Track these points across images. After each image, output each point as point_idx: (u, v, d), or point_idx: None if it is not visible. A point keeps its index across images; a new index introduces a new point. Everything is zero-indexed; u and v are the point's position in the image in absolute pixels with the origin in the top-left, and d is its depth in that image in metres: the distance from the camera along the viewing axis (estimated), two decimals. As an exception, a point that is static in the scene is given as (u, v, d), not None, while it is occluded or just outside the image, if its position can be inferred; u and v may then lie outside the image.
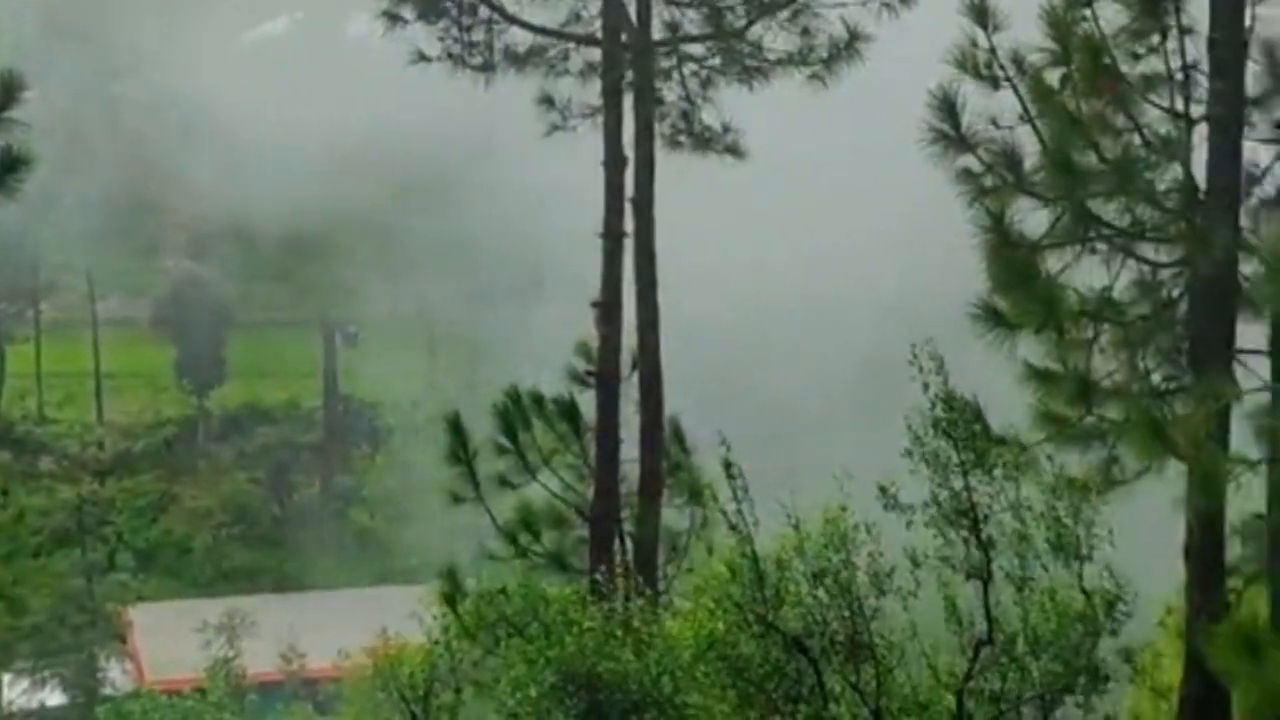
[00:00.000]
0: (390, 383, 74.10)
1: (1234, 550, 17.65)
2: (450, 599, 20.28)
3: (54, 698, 59.53)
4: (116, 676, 59.77)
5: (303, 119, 63.63)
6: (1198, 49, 16.89)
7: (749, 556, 15.43)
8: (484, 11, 25.61)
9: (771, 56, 25.14)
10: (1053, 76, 16.71)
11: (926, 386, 15.72)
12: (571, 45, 25.56)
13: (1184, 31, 16.85)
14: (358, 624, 31.59)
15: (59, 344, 76.18)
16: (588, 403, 25.42)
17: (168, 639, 57.50)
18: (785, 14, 24.95)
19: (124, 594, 63.95)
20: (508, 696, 16.80)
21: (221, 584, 67.95)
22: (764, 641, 15.52)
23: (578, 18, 25.45)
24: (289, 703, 53.68)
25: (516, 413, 25.37)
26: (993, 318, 16.72)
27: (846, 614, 15.40)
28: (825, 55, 24.75)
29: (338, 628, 43.77)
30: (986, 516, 15.51)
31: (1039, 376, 16.87)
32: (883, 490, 15.54)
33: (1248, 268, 16.57)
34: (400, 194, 69.29)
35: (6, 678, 57.91)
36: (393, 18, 25.62)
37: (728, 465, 15.77)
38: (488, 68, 25.74)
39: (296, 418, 76.51)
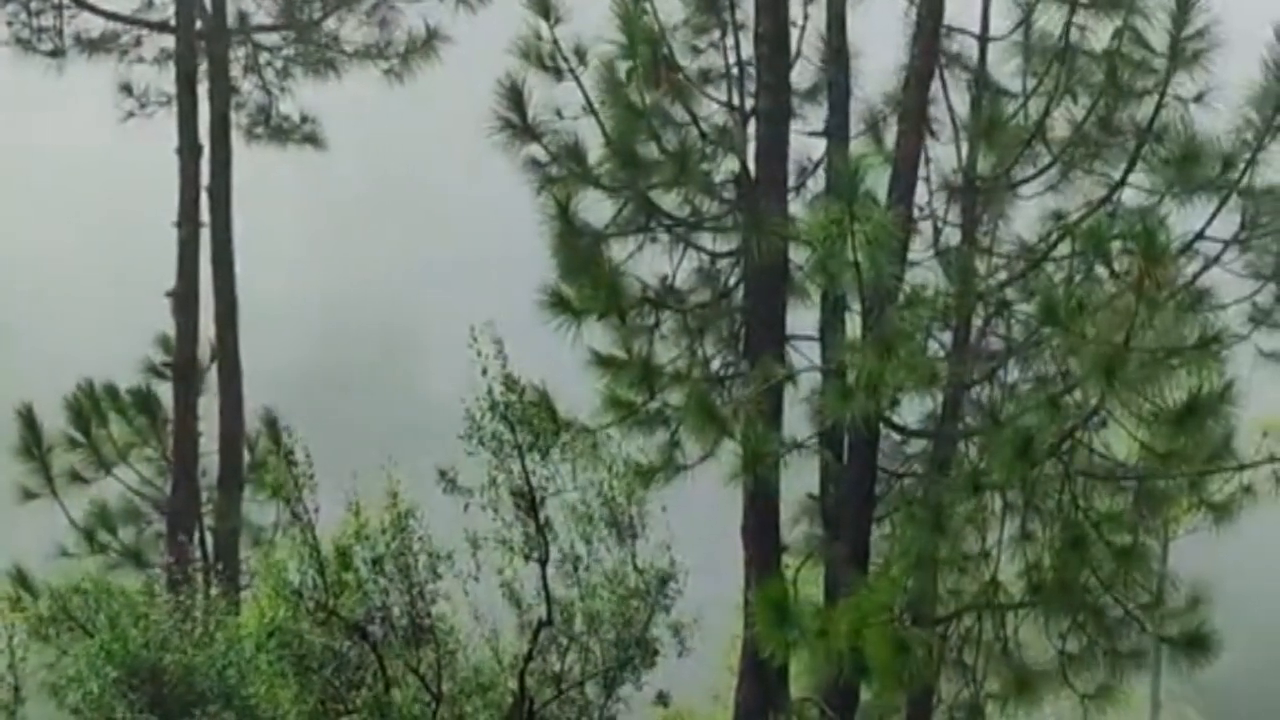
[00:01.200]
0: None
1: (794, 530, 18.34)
2: (16, 599, 19.73)
3: None
4: None
5: None
6: (752, 45, 17.45)
7: (310, 544, 15.41)
8: (54, -5, 24.96)
9: (349, 49, 25.09)
10: (618, 70, 17.03)
11: (485, 370, 15.87)
12: (145, 31, 25.10)
13: (738, 28, 17.39)
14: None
15: None
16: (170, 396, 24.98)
17: None
18: (363, 8, 24.93)
19: None
20: (70, 693, 16.44)
21: None
22: (326, 629, 15.53)
23: (151, 4, 24.99)
24: None
25: (91, 405, 24.80)
26: (559, 305, 16.99)
27: (407, 599, 15.51)
28: (402, 50, 24.83)
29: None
30: (544, 499, 15.75)
31: (605, 363, 17.21)
32: (442, 474, 15.67)
33: (799, 256, 17.17)
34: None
35: None
36: (-47, 0, 24.77)
37: (288, 454, 15.71)
38: (58, 54, 25.10)
39: None
